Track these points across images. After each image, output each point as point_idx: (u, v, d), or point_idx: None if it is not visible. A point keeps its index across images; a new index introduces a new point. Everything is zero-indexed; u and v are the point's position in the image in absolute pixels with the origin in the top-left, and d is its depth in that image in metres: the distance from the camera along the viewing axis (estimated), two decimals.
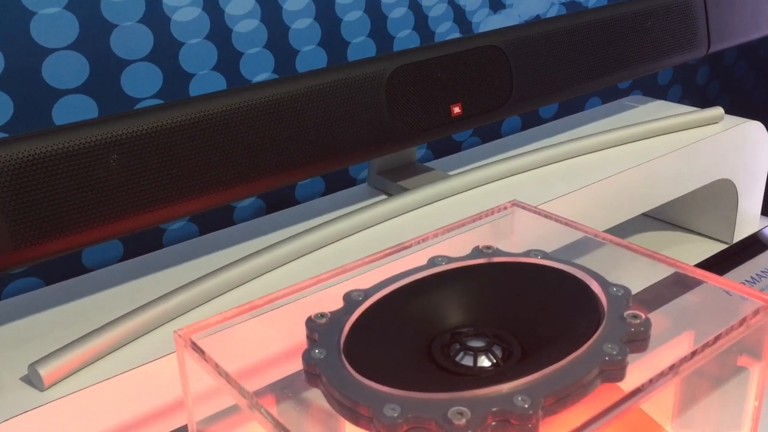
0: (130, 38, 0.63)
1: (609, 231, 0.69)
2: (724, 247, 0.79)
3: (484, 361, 0.33)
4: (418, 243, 0.41)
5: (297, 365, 0.32)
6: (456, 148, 0.88)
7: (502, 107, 0.62)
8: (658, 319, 0.38)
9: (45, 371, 0.42)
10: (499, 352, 0.33)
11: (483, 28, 0.86)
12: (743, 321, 0.33)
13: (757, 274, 0.62)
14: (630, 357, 0.32)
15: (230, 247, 0.56)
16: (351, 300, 0.35)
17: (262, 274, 0.52)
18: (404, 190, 0.63)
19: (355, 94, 0.54)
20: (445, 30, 0.83)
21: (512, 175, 0.67)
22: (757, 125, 0.76)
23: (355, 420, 0.29)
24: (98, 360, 0.44)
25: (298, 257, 0.54)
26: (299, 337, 0.34)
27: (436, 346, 0.34)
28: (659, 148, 0.70)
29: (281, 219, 0.61)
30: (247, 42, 0.70)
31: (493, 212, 0.43)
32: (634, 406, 0.29)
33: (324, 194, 0.79)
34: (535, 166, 0.68)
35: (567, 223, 0.43)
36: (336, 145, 0.54)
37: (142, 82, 0.65)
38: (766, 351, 0.34)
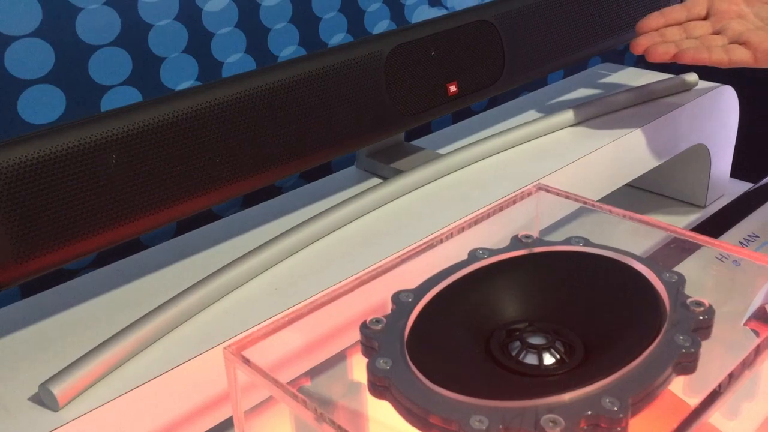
0: (97, 22, 0.59)
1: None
2: (696, 210, 0.80)
3: (549, 359, 0.32)
4: (450, 236, 0.39)
5: (351, 373, 0.31)
6: (427, 126, 0.86)
7: (495, 83, 0.61)
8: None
9: (58, 390, 0.39)
10: (561, 348, 0.32)
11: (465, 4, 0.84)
12: None
13: (744, 239, 0.63)
14: None
15: (219, 243, 0.53)
16: (401, 302, 0.33)
17: (267, 270, 0.50)
18: (398, 172, 0.61)
19: (354, 76, 0.52)
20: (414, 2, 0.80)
21: (501, 152, 0.66)
22: (728, 89, 0.77)
23: None
24: (110, 373, 0.41)
25: (304, 247, 0.52)
26: (348, 342, 0.32)
27: (495, 344, 0.33)
28: (638, 118, 0.71)
29: (272, 208, 0.58)
30: (218, 22, 0.66)
31: (519, 198, 0.42)
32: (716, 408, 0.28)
33: (306, 177, 0.76)
34: (525, 140, 0.67)
35: (593, 205, 0.42)
36: (338, 131, 0.52)
37: (111, 69, 0.61)
38: None
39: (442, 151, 0.65)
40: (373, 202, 0.56)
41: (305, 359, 0.33)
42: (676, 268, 0.62)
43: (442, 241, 0.38)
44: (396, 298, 0.34)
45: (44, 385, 0.39)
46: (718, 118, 0.77)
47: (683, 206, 0.82)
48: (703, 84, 0.77)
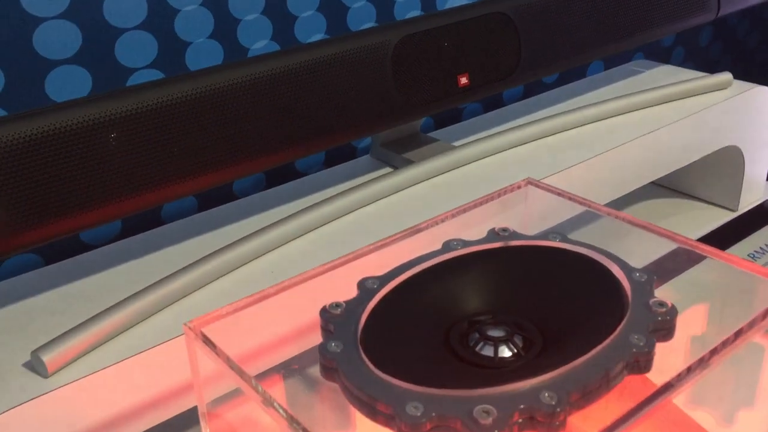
0: (124, 6, 0.61)
1: (618, 200, 0.68)
2: (729, 214, 0.78)
3: (505, 352, 0.32)
4: (432, 225, 0.39)
5: (310, 357, 0.32)
6: (457, 115, 0.86)
7: (510, 76, 0.60)
8: (671, 295, 0.37)
9: (48, 358, 0.41)
10: (519, 342, 0.32)
11: None
12: None
13: (761, 248, 0.61)
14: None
15: (231, 224, 0.55)
16: (365, 288, 0.34)
17: (266, 253, 0.51)
18: (409, 162, 0.61)
19: (360, 65, 0.53)
20: None
21: (518, 146, 0.65)
22: (765, 90, 0.75)
23: (374, 417, 0.28)
24: (102, 344, 0.43)
25: (303, 234, 0.53)
26: (312, 327, 0.33)
27: (455, 335, 0.33)
28: (667, 115, 0.69)
29: (283, 193, 0.59)
30: (245, 8, 0.68)
31: (507, 191, 0.42)
32: (664, 402, 0.28)
33: (325, 165, 0.77)
34: (542, 135, 0.66)
35: (581, 202, 0.41)
36: (343, 119, 0.52)
37: (136, 52, 0.63)
38: None
39: (462, 141, 0.65)
40: (378, 191, 0.56)
41: (269, 341, 0.34)
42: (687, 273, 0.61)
43: (420, 231, 0.39)
44: (362, 284, 0.34)
45: (35, 353, 0.41)
46: (752, 120, 0.75)
47: (715, 209, 0.80)
48: (738, 84, 0.75)
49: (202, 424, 0.35)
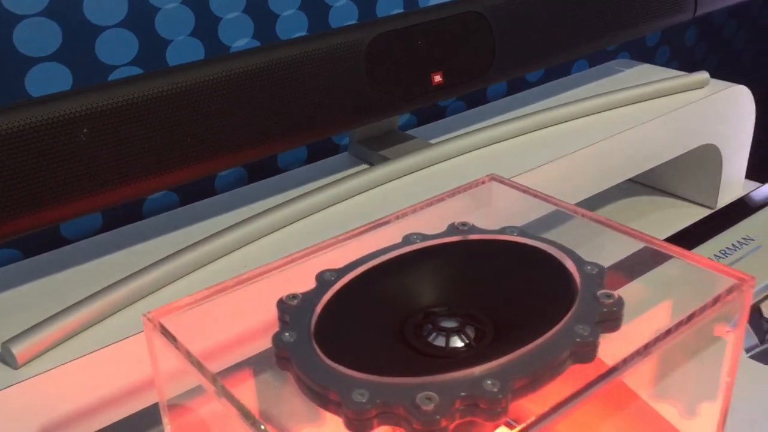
0: (104, 3, 0.62)
1: (594, 197, 0.69)
2: (707, 212, 0.78)
3: (457, 342, 0.32)
4: (394, 219, 0.40)
5: (268, 348, 0.32)
6: (441, 113, 0.87)
7: (484, 75, 0.61)
8: (633, 293, 0.38)
9: (18, 349, 0.41)
10: (471, 333, 0.33)
11: None
12: (717, 299, 0.33)
13: (738, 242, 0.62)
14: (603, 336, 0.31)
15: (210, 218, 0.56)
16: (323, 280, 0.35)
17: (240, 248, 0.51)
18: (385, 159, 0.62)
19: (333, 63, 0.53)
20: None
21: (495, 143, 0.66)
22: (743, 89, 0.76)
23: (325, 405, 0.29)
24: (74, 336, 0.44)
25: (278, 229, 0.53)
26: (271, 319, 0.34)
27: (409, 326, 0.33)
28: (644, 114, 0.70)
29: (261, 189, 0.60)
30: (226, 6, 0.68)
31: (471, 187, 0.43)
32: (606, 387, 0.29)
33: (307, 162, 0.78)
34: (518, 133, 0.67)
35: (544, 198, 0.42)
36: (315, 116, 0.53)
37: (117, 49, 0.64)
38: (740, 327, 0.34)
39: (440, 138, 0.65)
40: (353, 187, 0.57)
41: (229, 333, 0.35)
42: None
43: (383, 225, 0.39)
44: (320, 276, 0.35)
45: (6, 344, 0.42)
46: (729, 118, 0.76)
47: (693, 207, 0.80)
48: (716, 83, 0.76)
49: (164, 420, 0.35)
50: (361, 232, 0.39)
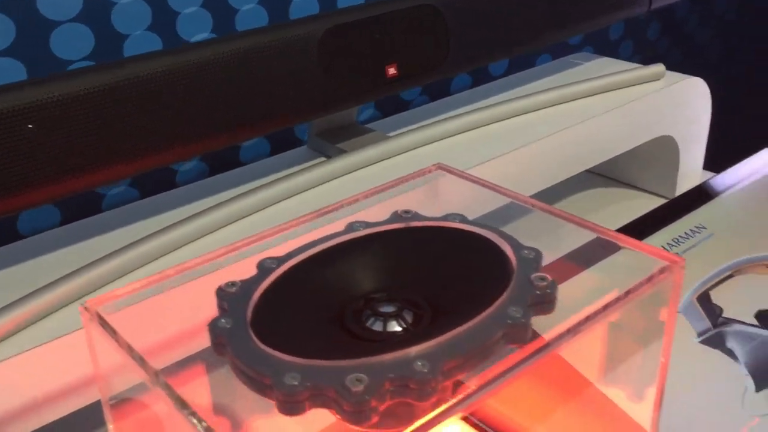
0: None
1: (555, 189, 0.70)
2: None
3: (394, 326, 0.33)
4: (339, 208, 0.40)
5: (208, 337, 0.32)
6: (405, 106, 0.87)
7: (439, 67, 0.61)
8: (578, 282, 0.39)
9: None
10: (409, 317, 0.33)
11: None
12: (649, 279, 0.33)
13: (691, 230, 0.63)
14: (540, 319, 0.32)
15: (167, 211, 0.56)
16: (264, 268, 0.35)
17: (192, 241, 0.51)
18: (342, 152, 0.62)
19: (287, 55, 0.53)
20: None
21: (453, 135, 0.67)
22: (698, 81, 0.77)
23: (261, 390, 0.29)
24: (21, 331, 0.44)
25: (232, 222, 0.54)
26: (212, 307, 0.34)
27: (349, 312, 0.34)
28: (600, 106, 0.71)
29: (219, 183, 0.60)
30: (184, 1, 0.68)
31: (417, 176, 0.43)
32: (533, 367, 0.29)
33: (270, 155, 0.78)
34: (475, 125, 0.67)
35: (492, 188, 0.43)
36: (269, 108, 0.53)
37: (72, 44, 0.63)
38: (672, 306, 0.35)
39: (400, 131, 0.66)
40: (308, 180, 0.57)
41: (169, 324, 0.35)
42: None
43: (328, 213, 0.40)
44: (261, 264, 0.35)
45: None
46: (686, 110, 0.77)
47: (652, 198, 0.81)
48: (672, 75, 0.77)
49: (106, 417, 0.35)
50: (307, 221, 0.39)
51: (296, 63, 0.54)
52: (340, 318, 0.34)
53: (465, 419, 0.52)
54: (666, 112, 0.75)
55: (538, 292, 0.32)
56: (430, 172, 0.43)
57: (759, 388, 0.50)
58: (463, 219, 0.38)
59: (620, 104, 0.71)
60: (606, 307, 0.32)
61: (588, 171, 0.86)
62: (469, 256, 0.36)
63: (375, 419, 0.27)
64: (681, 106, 0.76)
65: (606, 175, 0.85)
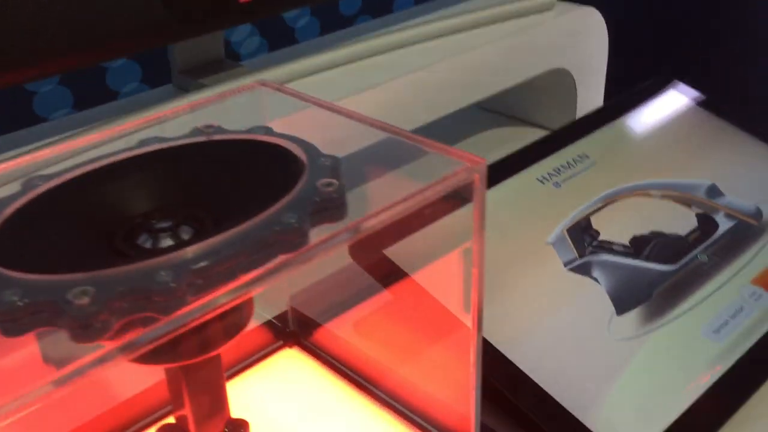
0: None
1: (438, 121, 0.67)
2: None
3: (168, 242, 0.30)
4: (149, 125, 0.37)
5: None
6: (294, 40, 0.84)
7: None
8: (379, 185, 0.36)
9: None
10: (188, 234, 0.30)
11: None
12: (446, 178, 0.31)
13: (574, 159, 0.60)
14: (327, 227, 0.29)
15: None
16: (28, 186, 0.31)
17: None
18: (203, 87, 0.58)
19: None
20: None
21: (332, 68, 0.63)
22: (592, 11, 0.74)
23: None
24: None
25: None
26: None
27: (120, 233, 0.30)
28: (486, 36, 0.68)
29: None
30: None
31: (237, 92, 0.40)
32: (285, 274, 0.26)
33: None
34: (355, 58, 0.64)
35: (320, 104, 0.39)
36: (102, 34, 0.49)
37: None
38: (476, 206, 0.32)
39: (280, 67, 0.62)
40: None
41: None
42: (496, 187, 0.60)
43: (135, 131, 0.36)
44: (27, 183, 0.31)
45: None
46: (580, 42, 0.74)
47: None
48: (563, 5, 0.74)
49: None
50: (98, 137, 0.35)
51: None
52: (110, 239, 0.30)
53: (331, 366, 0.49)
54: (559, 44, 0.72)
55: (319, 198, 0.29)
56: (252, 88, 0.40)
57: (620, 312, 0.48)
58: (268, 131, 0.35)
59: (507, 35, 0.68)
60: (398, 202, 0.29)
61: (488, 110, 0.83)
62: (265, 169, 0.32)
63: (109, 335, 0.24)
64: (575, 38, 0.74)
65: (506, 113, 0.83)
